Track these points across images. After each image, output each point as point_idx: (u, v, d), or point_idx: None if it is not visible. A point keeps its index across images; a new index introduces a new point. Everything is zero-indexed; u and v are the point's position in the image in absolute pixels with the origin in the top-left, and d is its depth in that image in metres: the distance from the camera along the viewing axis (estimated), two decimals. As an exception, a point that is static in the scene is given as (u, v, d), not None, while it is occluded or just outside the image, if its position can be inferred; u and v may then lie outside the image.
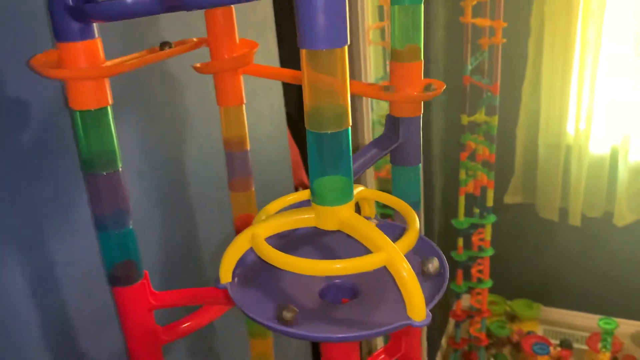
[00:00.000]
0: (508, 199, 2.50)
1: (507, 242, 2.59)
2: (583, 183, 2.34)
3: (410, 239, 0.48)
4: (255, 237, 0.48)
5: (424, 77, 0.67)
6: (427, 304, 0.46)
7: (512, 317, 2.62)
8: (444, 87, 0.67)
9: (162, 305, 0.68)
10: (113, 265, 0.63)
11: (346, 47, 0.43)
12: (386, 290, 0.51)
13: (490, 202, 2.18)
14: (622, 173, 2.28)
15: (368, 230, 0.46)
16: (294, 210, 0.50)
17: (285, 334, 0.47)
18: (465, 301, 2.57)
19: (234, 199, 0.84)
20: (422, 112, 0.69)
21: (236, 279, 0.53)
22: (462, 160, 2.13)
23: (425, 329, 2.30)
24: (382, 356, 0.84)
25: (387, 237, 0.46)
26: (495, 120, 2.09)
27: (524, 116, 2.39)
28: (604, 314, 2.44)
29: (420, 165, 0.73)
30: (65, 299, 0.68)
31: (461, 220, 2.20)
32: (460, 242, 2.24)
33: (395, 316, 0.47)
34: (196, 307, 0.76)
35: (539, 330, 2.56)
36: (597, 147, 2.33)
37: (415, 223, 0.50)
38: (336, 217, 0.48)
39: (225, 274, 0.50)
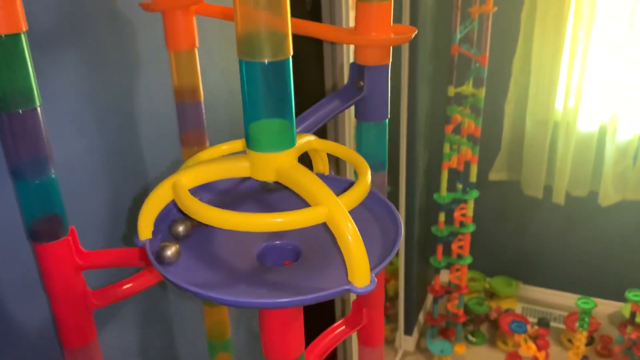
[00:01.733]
0: (492, 175, 2.45)
1: (489, 218, 2.55)
2: (569, 161, 2.29)
3: (356, 193, 0.41)
4: (178, 187, 0.41)
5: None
6: (372, 268, 0.39)
7: (491, 294, 2.59)
8: (415, 32, 0.60)
9: (91, 266, 0.61)
10: (33, 219, 0.56)
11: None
12: (331, 253, 0.45)
13: (473, 178, 2.12)
14: (609, 152, 2.23)
15: (308, 182, 0.39)
16: (226, 158, 0.43)
17: (214, 300, 0.40)
18: (444, 277, 2.54)
19: (187, 155, 0.76)
20: (390, 60, 0.61)
21: (160, 236, 0.46)
22: (447, 133, 2.07)
23: (402, 303, 2.26)
24: (342, 327, 0.78)
25: (329, 190, 0.39)
26: (482, 92, 2.02)
27: (513, 90, 2.32)
28: (583, 294, 2.42)
29: (387, 121, 0.66)
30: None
31: (443, 195, 2.14)
32: (442, 217, 2.19)
33: (336, 281, 0.40)
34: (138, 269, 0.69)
35: (517, 308, 2.54)
36: (585, 125, 2.27)
37: (366, 176, 0.43)
38: (273, 165, 0.41)
39: (144, 230, 0.43)
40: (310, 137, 0.49)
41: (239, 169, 0.42)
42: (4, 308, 0.63)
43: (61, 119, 0.66)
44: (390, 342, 2.37)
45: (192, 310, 0.96)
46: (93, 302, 0.62)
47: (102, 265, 0.61)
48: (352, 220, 0.38)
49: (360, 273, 0.38)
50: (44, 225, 0.57)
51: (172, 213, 0.48)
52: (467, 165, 2.15)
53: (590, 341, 2.34)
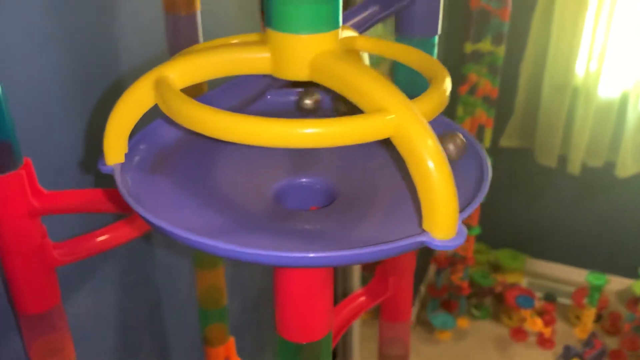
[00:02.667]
0: (504, 141, 2.31)
1: (498, 188, 2.42)
2: (587, 129, 2.16)
3: (435, 98, 0.27)
4: (162, 83, 0.27)
5: None
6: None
7: (496, 267, 2.49)
8: None
9: (52, 209, 0.47)
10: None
11: None
12: (380, 192, 0.31)
13: (487, 143, 2.00)
14: (630, 121, 2.10)
15: (365, 77, 0.25)
16: (234, 45, 0.29)
17: (218, 252, 0.27)
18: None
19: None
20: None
21: (137, 159, 0.32)
22: (461, 94, 1.92)
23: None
24: (362, 298, 0.66)
25: (399, 91, 0.25)
26: (501, 50, 1.88)
27: (531, 51, 2.17)
28: (592, 269, 2.32)
29: (436, 39, 0.52)
30: None
31: (453, 160, 2.01)
32: (450, 183, 2.06)
33: (398, 230, 0.27)
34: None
35: (523, 282, 2.44)
36: (606, 91, 2.13)
37: (445, 80, 0.29)
38: (308, 54, 0.27)
39: (114, 149, 0.29)
40: (352, 33, 0.35)
41: (254, 61, 0.28)
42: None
43: (18, 32, 0.52)
44: (389, 313, 2.27)
45: (182, 271, 0.83)
46: (55, 257, 0.48)
47: (67, 210, 0.48)
48: (435, 137, 0.24)
49: (445, 218, 0.24)
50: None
51: (163, 130, 0.34)
52: (481, 129, 2.02)
53: (597, 318, 2.25)
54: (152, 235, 0.76)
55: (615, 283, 2.36)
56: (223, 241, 0.24)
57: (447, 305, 2.27)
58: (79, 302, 0.65)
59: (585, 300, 2.18)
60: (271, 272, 1.18)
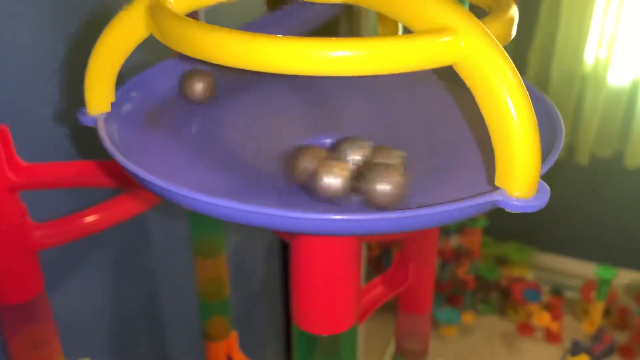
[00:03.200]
0: (510, 132, 2.27)
1: (503, 180, 2.38)
2: (596, 118, 2.11)
3: (506, 20, 0.21)
4: (158, 7, 0.21)
5: None
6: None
7: (502, 261, 2.44)
8: None
9: (32, 184, 0.41)
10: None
11: None
12: (420, 150, 0.25)
13: (493, 132, 1.94)
14: (641, 110, 2.05)
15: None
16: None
17: (224, 213, 0.21)
18: (453, 242, 2.38)
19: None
20: None
21: (127, 109, 0.26)
22: (467, 81, 1.87)
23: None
24: (379, 288, 0.60)
25: (464, 7, 0.19)
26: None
27: (539, 39, 2.12)
28: (599, 262, 2.27)
29: None
30: None
31: (459, 150, 1.96)
32: (456, 174, 2.01)
33: (463, 188, 0.21)
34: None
35: (530, 276, 2.39)
36: (616, 79, 2.08)
37: (511, 6, 0.23)
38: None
39: (97, 96, 0.23)
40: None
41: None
42: None
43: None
44: (393, 309, 2.22)
45: (181, 260, 0.77)
46: (37, 239, 0.43)
47: (50, 184, 0.42)
48: (513, 65, 0.18)
49: (525, 170, 0.18)
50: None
51: (161, 78, 0.28)
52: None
53: (606, 312, 2.20)
54: (148, 219, 0.70)
55: (624, 277, 2.32)
56: (231, 200, 0.19)
57: (452, 300, 2.22)
58: (68, 292, 0.59)
59: (593, 294, 2.13)
60: (274, 263, 1.11)
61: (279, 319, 1.09)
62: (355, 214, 0.18)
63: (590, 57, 2.09)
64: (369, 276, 2.23)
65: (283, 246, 1.07)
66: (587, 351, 2.00)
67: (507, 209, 0.20)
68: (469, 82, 0.18)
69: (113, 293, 0.67)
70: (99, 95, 0.24)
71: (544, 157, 0.22)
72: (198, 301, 0.70)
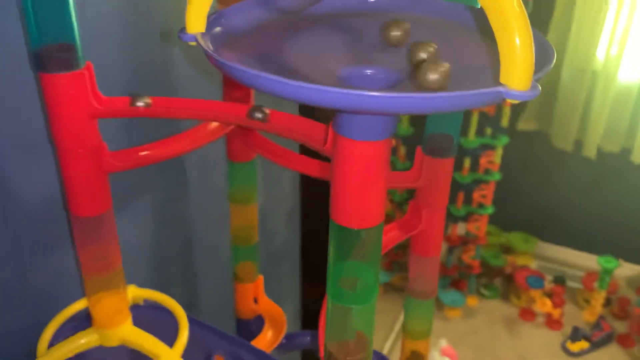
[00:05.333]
0: (521, 125, 2.32)
1: (511, 171, 2.43)
2: (605, 113, 2.16)
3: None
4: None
5: None
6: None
7: (507, 250, 2.50)
8: None
9: (110, 112, 0.49)
10: (41, 45, 0.44)
11: None
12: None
13: (505, 122, 2.00)
14: (649, 106, 2.10)
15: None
16: None
17: (297, 93, 0.27)
18: (461, 229, 2.44)
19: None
20: None
21: (216, 31, 0.34)
22: (481, 71, 1.93)
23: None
24: (394, 231, 0.67)
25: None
26: (523, 29, 1.88)
27: (552, 35, 2.17)
28: (602, 255, 2.32)
29: None
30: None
31: (471, 139, 2.01)
32: (467, 163, 2.07)
33: (476, 82, 0.28)
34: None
35: (533, 265, 2.45)
36: (626, 76, 2.13)
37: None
38: None
39: (196, 18, 0.30)
40: None
41: None
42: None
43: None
44: (399, 290, 2.28)
45: (216, 210, 0.84)
46: (110, 161, 0.50)
47: (125, 114, 0.49)
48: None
49: (522, 68, 0.26)
50: (52, 53, 0.44)
51: (239, 14, 0.36)
52: (499, 107, 2.02)
53: (606, 302, 2.26)
54: (189, 170, 0.77)
55: (626, 269, 2.37)
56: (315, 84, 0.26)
57: (457, 284, 2.28)
58: (118, 228, 0.66)
59: (595, 284, 2.19)
60: (294, 227, 1.19)
61: (295, 278, 1.17)
62: (384, 92, 0.25)
63: (601, 54, 2.14)
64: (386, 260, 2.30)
65: (303, 212, 1.15)
66: (587, 337, 2.06)
67: (508, 98, 0.27)
68: (482, 2, 0.25)
69: (154, 235, 0.75)
70: (198, 17, 0.31)
71: (538, 70, 0.29)
72: (231, 246, 0.78)
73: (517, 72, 0.25)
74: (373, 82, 0.35)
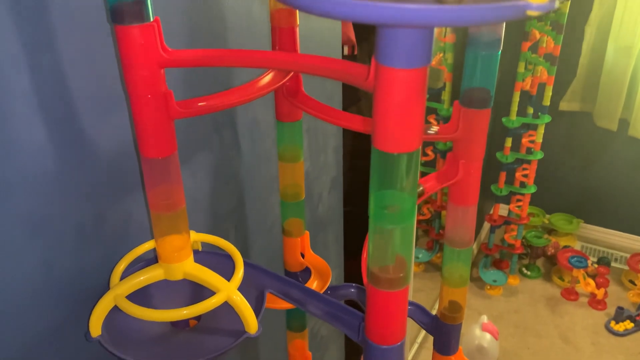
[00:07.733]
0: (564, 105, 2.30)
1: (554, 152, 2.42)
2: (652, 92, 2.12)
3: None
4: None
5: None
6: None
7: (550, 232, 2.49)
8: None
9: (176, 62, 0.55)
10: (118, 1, 0.50)
11: None
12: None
13: (547, 101, 1.99)
14: (699, 83, 2.05)
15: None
16: None
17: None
18: (502, 210, 2.44)
19: None
20: None
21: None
22: (524, 51, 1.93)
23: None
24: (433, 181, 0.71)
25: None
26: (566, 6, 1.87)
27: (597, 11, 2.14)
28: (649, 238, 2.29)
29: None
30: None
31: (513, 119, 2.02)
32: (509, 142, 2.08)
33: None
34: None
35: (576, 247, 2.43)
36: (673, 53, 2.09)
37: None
38: None
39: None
40: None
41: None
42: (80, 123, 0.58)
43: None
44: (440, 269, 2.31)
45: (266, 171, 0.90)
46: (175, 108, 0.56)
47: (189, 63, 0.55)
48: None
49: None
50: (127, 6, 0.51)
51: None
52: (541, 87, 2.02)
53: (652, 284, 2.23)
54: (241, 132, 0.83)
55: (673, 251, 2.33)
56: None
57: (498, 264, 2.29)
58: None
59: (641, 265, 2.17)
60: (337, 194, 1.23)
61: (339, 245, 1.22)
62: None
63: (648, 30, 2.10)
64: (419, 240, 2.33)
65: (345, 181, 1.20)
66: (632, 318, 2.05)
67: (528, 10, 0.31)
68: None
69: (211, 190, 0.81)
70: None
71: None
72: (280, 202, 0.83)
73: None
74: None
